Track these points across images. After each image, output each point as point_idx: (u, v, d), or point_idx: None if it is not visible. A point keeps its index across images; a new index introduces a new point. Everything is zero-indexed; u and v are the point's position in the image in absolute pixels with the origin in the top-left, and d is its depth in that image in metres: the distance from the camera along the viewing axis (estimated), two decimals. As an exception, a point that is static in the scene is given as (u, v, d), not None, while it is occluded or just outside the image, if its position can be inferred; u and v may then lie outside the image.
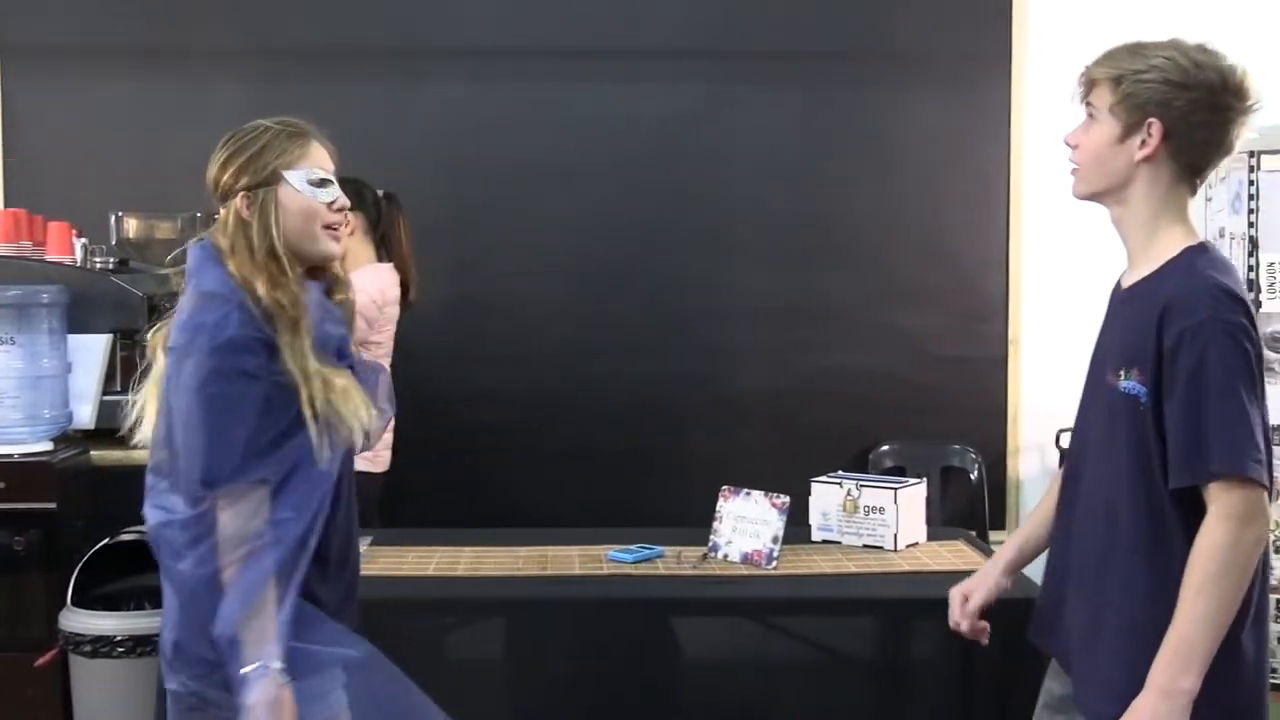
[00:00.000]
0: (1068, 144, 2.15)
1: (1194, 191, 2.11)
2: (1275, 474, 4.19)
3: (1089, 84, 2.11)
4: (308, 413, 2.06)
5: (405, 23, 4.56)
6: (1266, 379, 4.15)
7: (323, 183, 2.18)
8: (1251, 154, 4.17)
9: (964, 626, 2.37)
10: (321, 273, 2.26)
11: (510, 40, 4.59)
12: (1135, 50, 2.07)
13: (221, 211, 2.18)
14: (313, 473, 2.08)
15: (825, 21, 4.62)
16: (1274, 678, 4.21)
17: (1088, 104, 2.11)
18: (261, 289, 2.09)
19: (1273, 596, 4.17)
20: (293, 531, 2.06)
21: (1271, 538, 4.04)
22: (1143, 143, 2.04)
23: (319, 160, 2.20)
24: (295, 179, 2.15)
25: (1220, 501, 1.93)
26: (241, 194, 2.14)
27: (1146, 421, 2.00)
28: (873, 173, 4.65)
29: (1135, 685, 1.98)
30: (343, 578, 2.24)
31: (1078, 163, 2.14)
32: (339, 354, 2.18)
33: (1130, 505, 2.03)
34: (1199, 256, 2.04)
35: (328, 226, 2.19)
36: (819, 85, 4.64)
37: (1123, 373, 2.05)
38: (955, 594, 2.39)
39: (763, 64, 4.63)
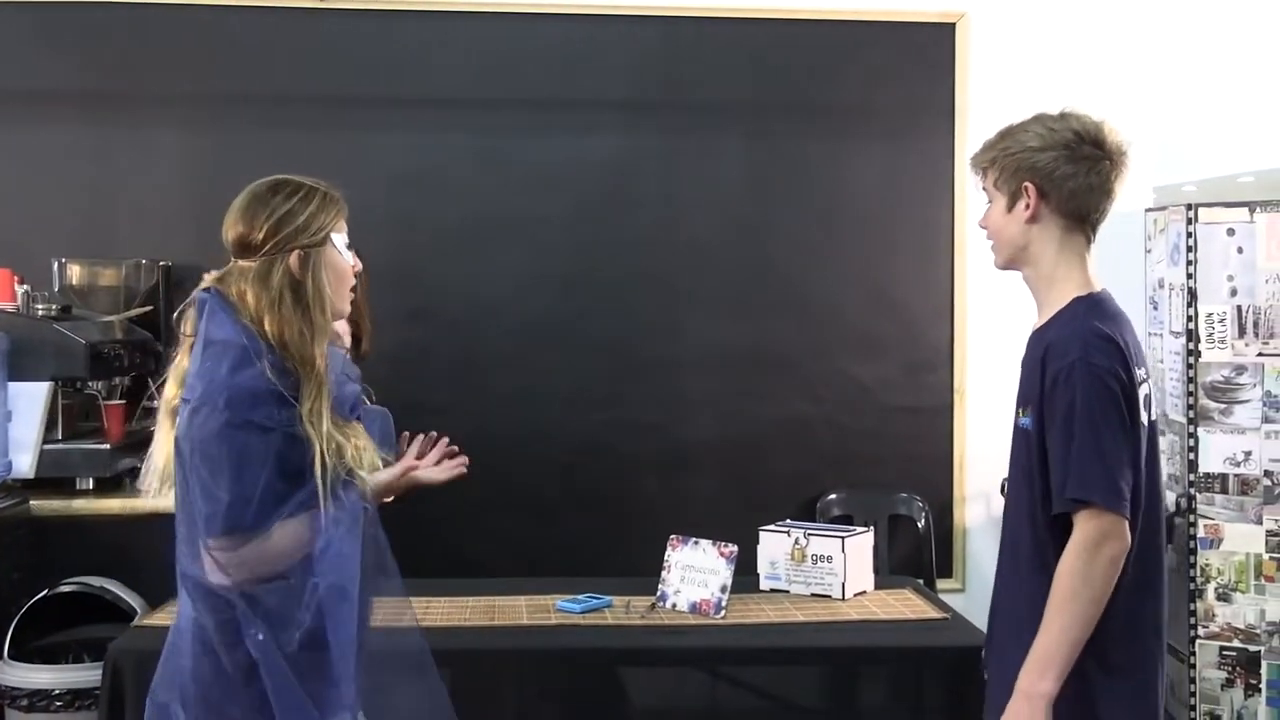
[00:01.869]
0: (980, 226, 2.41)
1: (1089, 240, 2.33)
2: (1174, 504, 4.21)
3: (979, 172, 2.38)
4: (318, 472, 2.06)
5: (351, 72, 4.55)
6: (1204, 427, 4.24)
7: (348, 245, 2.26)
8: (1189, 206, 4.25)
9: None
10: None
11: (458, 91, 4.59)
12: (1005, 133, 2.34)
13: (254, 264, 2.16)
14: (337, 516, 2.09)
15: (771, 74, 4.66)
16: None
17: (984, 189, 2.39)
18: (303, 347, 2.11)
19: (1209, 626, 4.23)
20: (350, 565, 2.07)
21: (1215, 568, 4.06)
22: (1026, 205, 2.29)
23: (343, 224, 2.28)
24: (338, 241, 2.23)
25: (1078, 529, 2.16)
26: (297, 252, 2.16)
27: (1033, 454, 2.23)
28: (820, 223, 4.68)
29: None
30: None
31: (989, 239, 2.40)
32: (352, 409, 2.22)
33: (1030, 535, 2.25)
34: (1083, 304, 2.27)
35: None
36: (766, 137, 4.67)
37: (1020, 411, 2.30)
38: None
39: (711, 116, 4.66)
